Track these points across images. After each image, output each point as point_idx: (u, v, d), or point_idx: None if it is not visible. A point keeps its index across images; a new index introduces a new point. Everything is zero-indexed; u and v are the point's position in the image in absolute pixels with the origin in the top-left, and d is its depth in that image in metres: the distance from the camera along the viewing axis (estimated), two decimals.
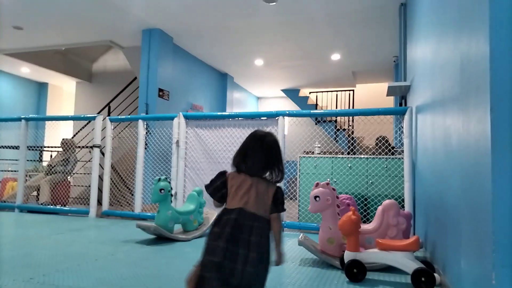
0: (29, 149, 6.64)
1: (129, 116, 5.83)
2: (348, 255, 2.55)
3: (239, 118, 4.99)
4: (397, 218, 2.91)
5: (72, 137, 7.72)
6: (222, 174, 1.71)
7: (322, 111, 4.94)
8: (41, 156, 8.59)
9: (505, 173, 0.99)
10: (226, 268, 1.47)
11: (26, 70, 10.01)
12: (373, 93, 10.68)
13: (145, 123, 5.36)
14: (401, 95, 5.32)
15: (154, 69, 6.89)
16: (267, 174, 1.70)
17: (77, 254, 2.99)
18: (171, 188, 3.76)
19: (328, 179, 4.30)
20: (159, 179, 3.60)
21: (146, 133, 5.61)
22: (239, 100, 10.97)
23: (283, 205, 1.70)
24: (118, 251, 3.15)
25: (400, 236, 2.90)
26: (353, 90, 10.54)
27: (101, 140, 5.63)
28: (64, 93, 11.65)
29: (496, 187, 0.99)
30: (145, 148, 5.47)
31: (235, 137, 4.90)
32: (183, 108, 7.81)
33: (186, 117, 5.09)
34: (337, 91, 10.62)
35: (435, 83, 2.71)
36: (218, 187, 1.69)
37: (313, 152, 5.76)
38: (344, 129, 9.97)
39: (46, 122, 6.66)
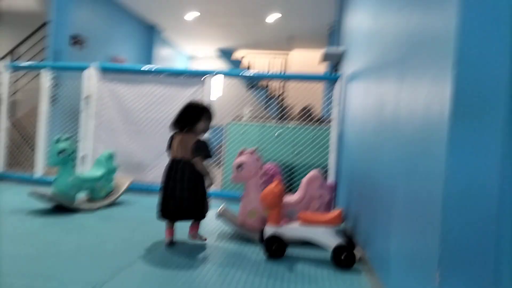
0: None
1: (30, 63, 4.98)
2: (268, 230, 2.35)
3: (162, 75, 4.48)
4: (320, 191, 2.78)
5: None
6: (171, 137, 2.43)
7: (252, 73, 4.63)
8: None
9: (464, 141, 0.79)
10: (170, 197, 2.30)
11: None
12: (305, 61, 10.57)
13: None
14: (335, 62, 5.19)
15: (66, 12, 5.96)
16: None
17: None
18: (75, 150, 3.25)
19: (255, 147, 4.06)
20: (58, 140, 3.05)
21: (54, 86, 4.87)
22: (168, 57, 10.17)
23: (202, 152, 2.33)
24: (0, 224, 2.63)
25: (323, 208, 2.78)
26: (286, 55, 10.35)
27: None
28: None
29: (451, 158, 0.79)
30: (53, 103, 4.75)
31: (156, 96, 4.42)
32: (102, 60, 6.96)
33: (101, 69, 4.45)
34: (270, 54, 10.34)
35: (372, 49, 2.52)
36: (168, 146, 2.43)
37: (241, 117, 5.48)
38: (275, 96, 9.81)
39: None
